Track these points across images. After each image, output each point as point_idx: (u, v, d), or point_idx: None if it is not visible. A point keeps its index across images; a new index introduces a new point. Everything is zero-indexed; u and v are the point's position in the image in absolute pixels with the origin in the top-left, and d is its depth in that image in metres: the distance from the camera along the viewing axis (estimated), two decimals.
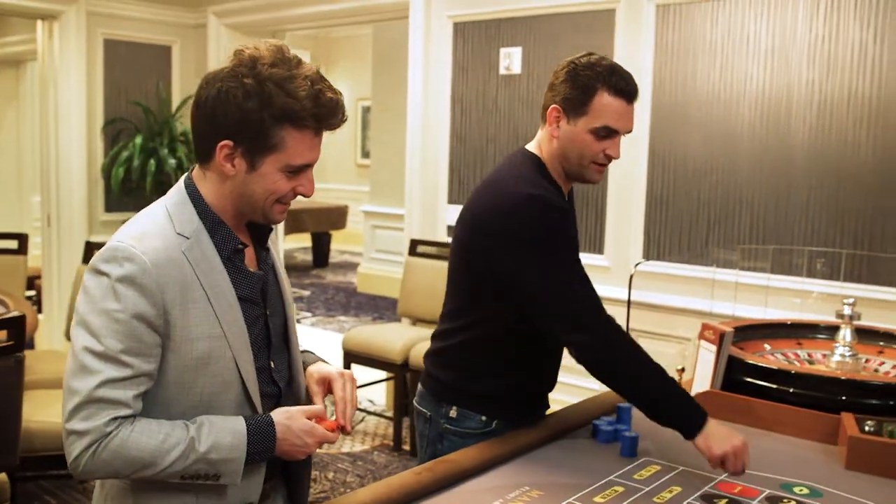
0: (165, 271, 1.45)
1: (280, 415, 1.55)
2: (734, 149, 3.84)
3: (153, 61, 6.34)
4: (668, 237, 4.07)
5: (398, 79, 5.88)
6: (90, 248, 4.56)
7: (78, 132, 5.90)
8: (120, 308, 1.42)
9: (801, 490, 1.83)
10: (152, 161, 6.03)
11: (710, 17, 3.87)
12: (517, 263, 2.03)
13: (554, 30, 4.39)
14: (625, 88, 2.06)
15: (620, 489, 1.80)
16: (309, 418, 1.56)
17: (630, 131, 2.12)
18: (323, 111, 1.48)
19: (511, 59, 4.57)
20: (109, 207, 6.13)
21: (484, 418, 2.18)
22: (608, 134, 2.07)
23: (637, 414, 2.26)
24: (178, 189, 1.57)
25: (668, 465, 1.95)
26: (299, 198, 1.60)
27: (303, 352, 1.80)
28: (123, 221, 5.58)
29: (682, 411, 1.96)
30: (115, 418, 1.42)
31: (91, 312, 1.43)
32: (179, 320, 1.46)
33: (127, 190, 6.06)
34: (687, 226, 4.00)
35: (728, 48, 3.83)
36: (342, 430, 1.59)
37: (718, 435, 1.90)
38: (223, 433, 1.48)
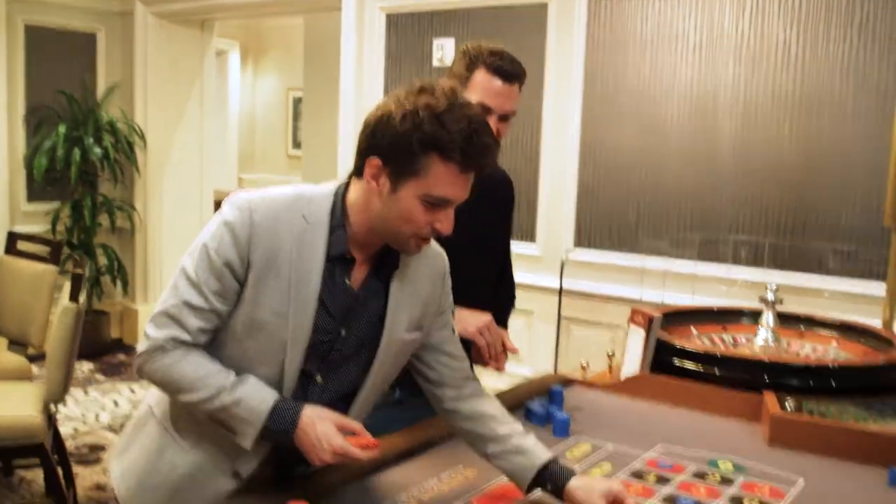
0: (264, 235, 1.53)
1: (313, 409, 1.57)
2: (663, 141, 3.92)
3: (78, 49, 6.16)
4: (598, 227, 4.14)
5: (330, 69, 5.83)
6: (13, 239, 4.43)
7: None
8: (214, 247, 1.54)
9: (725, 465, 1.88)
10: (77, 150, 5.87)
11: (640, 13, 3.95)
12: None
13: (487, 23, 4.42)
14: (501, 67, 2.16)
15: None
16: (341, 430, 1.55)
17: (507, 112, 2.19)
18: (472, 149, 1.49)
19: (444, 51, 4.58)
20: (32, 197, 5.92)
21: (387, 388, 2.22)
22: (485, 111, 2.11)
23: (569, 395, 2.30)
24: (336, 182, 1.63)
25: (598, 443, 1.99)
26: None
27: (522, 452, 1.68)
28: (48, 212, 5.43)
29: None
30: (175, 339, 1.55)
31: (201, 240, 1.57)
32: (254, 281, 1.54)
33: (51, 179, 5.87)
34: (617, 216, 4.07)
35: (658, 44, 3.91)
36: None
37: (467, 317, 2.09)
38: (253, 396, 1.55)
